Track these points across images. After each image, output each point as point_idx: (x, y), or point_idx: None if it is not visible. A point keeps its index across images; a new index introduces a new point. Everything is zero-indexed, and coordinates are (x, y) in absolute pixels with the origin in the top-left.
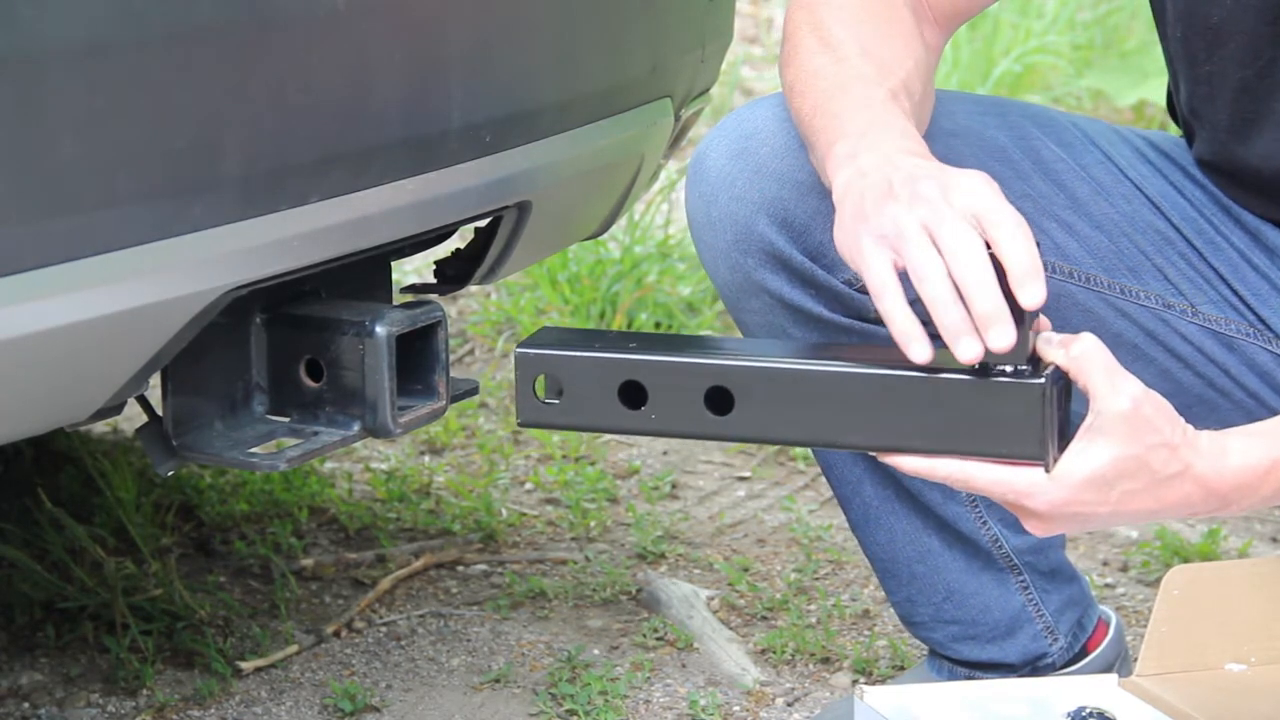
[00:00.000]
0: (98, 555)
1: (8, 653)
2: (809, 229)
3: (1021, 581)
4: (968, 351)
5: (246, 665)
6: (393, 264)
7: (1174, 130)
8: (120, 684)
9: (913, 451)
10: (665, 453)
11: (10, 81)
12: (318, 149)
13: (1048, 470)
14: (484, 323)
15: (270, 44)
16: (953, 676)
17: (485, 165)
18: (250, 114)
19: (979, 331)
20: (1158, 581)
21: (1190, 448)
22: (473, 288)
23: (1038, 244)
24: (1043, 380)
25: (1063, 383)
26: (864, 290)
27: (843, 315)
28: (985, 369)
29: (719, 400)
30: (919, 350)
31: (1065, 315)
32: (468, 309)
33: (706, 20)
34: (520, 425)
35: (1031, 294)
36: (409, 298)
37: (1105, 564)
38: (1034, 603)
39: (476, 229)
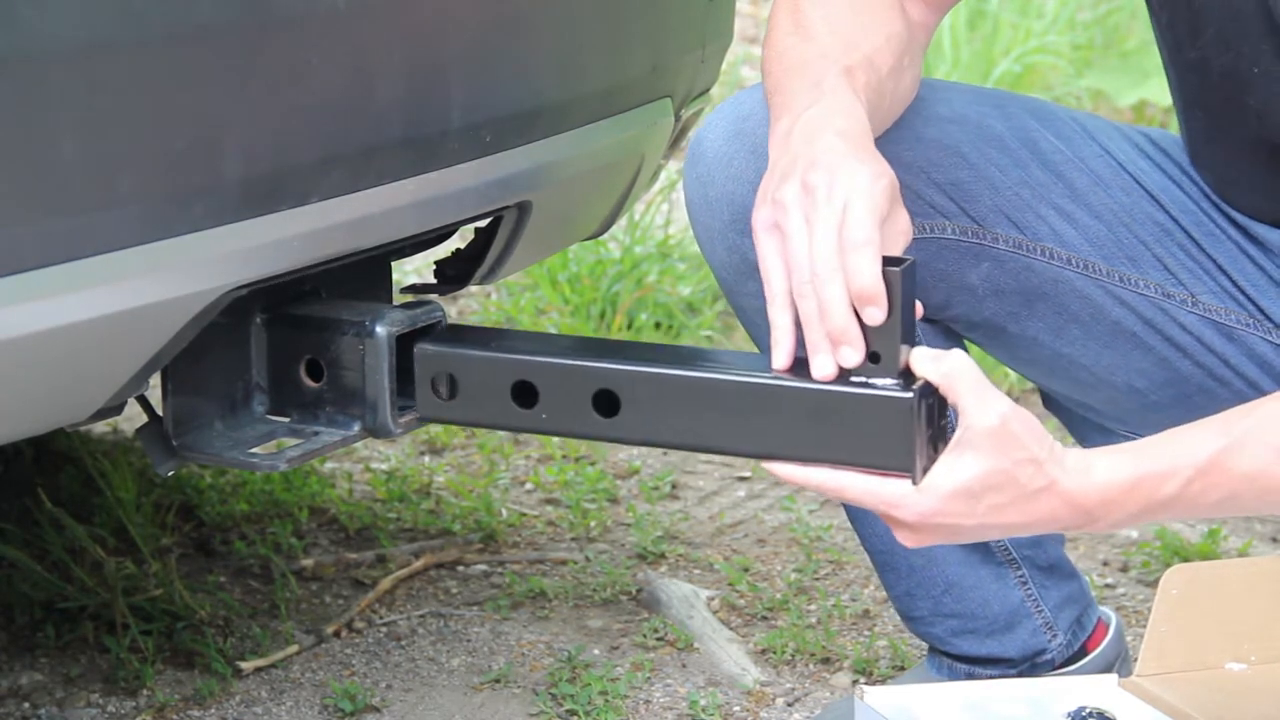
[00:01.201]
0: (98, 555)
1: (8, 653)
2: None
3: (1020, 576)
4: (821, 369)
5: (246, 665)
6: (393, 264)
7: (1174, 128)
8: (120, 684)
9: (789, 459)
10: (665, 453)
11: (10, 81)
12: (318, 149)
13: (915, 482)
14: (484, 323)
15: (270, 44)
16: (953, 674)
17: (485, 165)
18: (250, 114)
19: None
20: (1158, 581)
21: (1056, 464)
22: (473, 288)
23: (1035, 230)
24: (911, 394)
25: (935, 397)
26: None
27: None
28: (859, 381)
29: (606, 403)
30: (777, 359)
31: (1063, 302)
32: (468, 309)
33: (706, 20)
34: (420, 421)
35: (869, 316)
36: (409, 298)
37: (1105, 564)
38: (1033, 598)
39: (476, 229)
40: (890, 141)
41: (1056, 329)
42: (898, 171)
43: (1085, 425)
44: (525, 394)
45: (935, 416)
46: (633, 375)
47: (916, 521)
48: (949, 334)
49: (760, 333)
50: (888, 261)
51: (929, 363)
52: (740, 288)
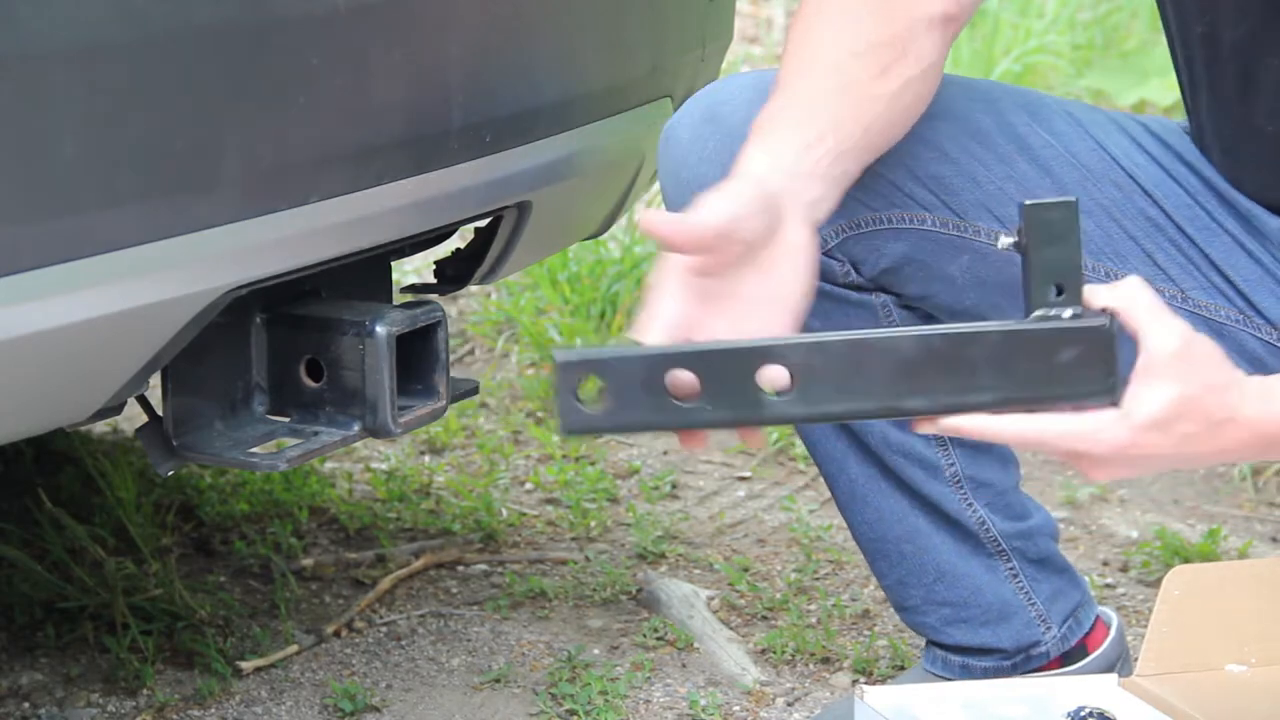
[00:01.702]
0: (98, 555)
1: (8, 653)
2: None
3: (1010, 569)
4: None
5: (246, 665)
6: (393, 264)
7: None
8: (120, 684)
9: (982, 410)
10: (665, 453)
11: (10, 81)
12: (318, 149)
13: (1118, 405)
14: (484, 323)
15: (270, 44)
16: (947, 668)
17: (485, 165)
18: (250, 114)
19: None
20: (1158, 581)
21: (1239, 391)
22: (473, 288)
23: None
24: (1105, 320)
25: (1115, 323)
26: (830, 254)
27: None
28: (1046, 316)
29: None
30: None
31: None
32: (468, 309)
33: (706, 20)
34: (564, 435)
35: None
36: (409, 298)
37: (1105, 564)
38: (1024, 590)
39: (476, 229)
40: None
41: None
42: (879, 165)
43: None
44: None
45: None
46: (797, 347)
47: (1111, 454)
48: (929, 320)
49: None
50: (1056, 201)
51: (1105, 290)
52: None
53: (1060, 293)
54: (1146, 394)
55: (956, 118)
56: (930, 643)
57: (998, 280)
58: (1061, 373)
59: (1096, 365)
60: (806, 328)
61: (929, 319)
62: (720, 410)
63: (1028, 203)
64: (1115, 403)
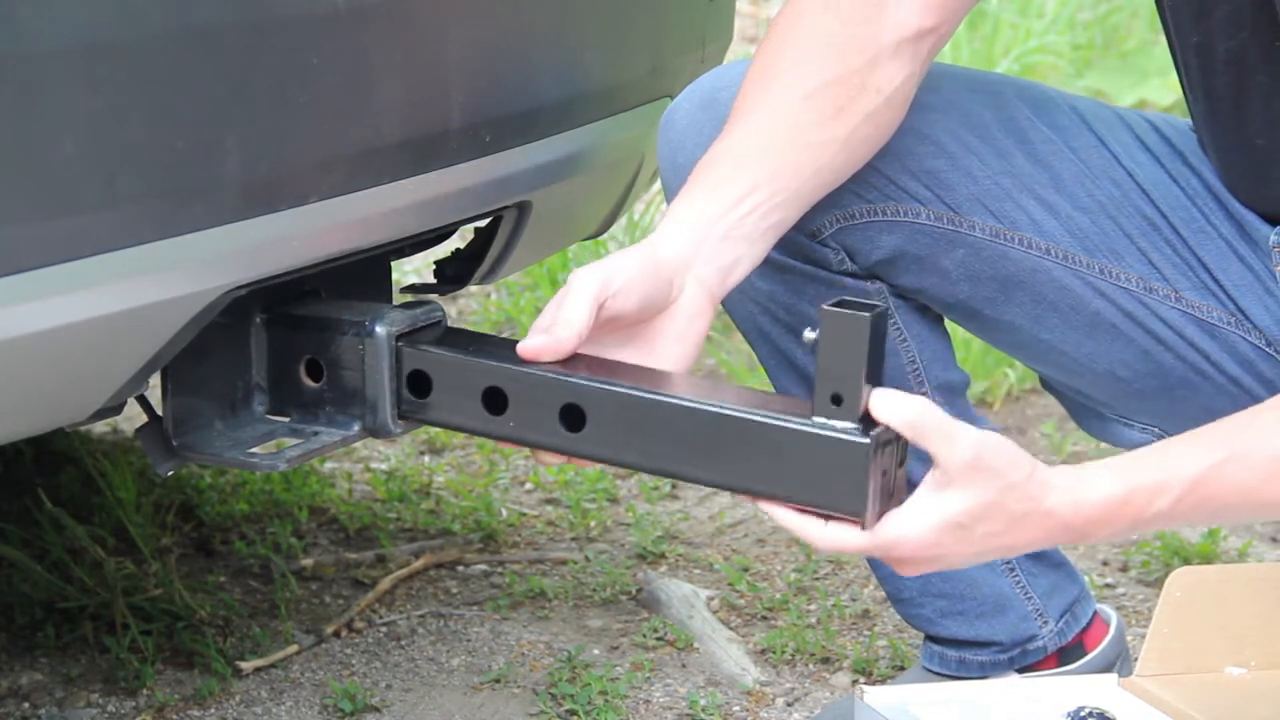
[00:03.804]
0: (98, 555)
1: (8, 653)
2: None
3: (1007, 563)
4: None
5: (246, 665)
6: (393, 264)
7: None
8: (120, 684)
9: (743, 493)
10: None
11: (10, 81)
12: (318, 149)
13: (864, 528)
14: (484, 323)
15: (270, 44)
16: (944, 663)
17: (485, 165)
18: (250, 114)
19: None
20: (1158, 581)
21: (1041, 485)
22: (473, 288)
23: (1013, 219)
24: (869, 440)
25: (897, 443)
26: (824, 242)
27: (805, 263)
28: (820, 423)
29: (572, 417)
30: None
31: (1041, 291)
32: (468, 309)
33: (706, 20)
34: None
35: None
36: (409, 298)
37: (1105, 564)
38: (1020, 584)
39: (476, 229)
40: None
41: (1035, 316)
42: (874, 160)
43: (1079, 408)
44: (495, 400)
45: (894, 463)
46: (600, 393)
47: (913, 555)
48: (924, 310)
49: (729, 303)
50: (856, 306)
51: (891, 409)
52: None
53: (838, 402)
54: (943, 500)
55: (956, 110)
56: (928, 639)
57: (991, 275)
58: (819, 479)
59: (851, 480)
60: (804, 314)
61: (923, 310)
62: (521, 430)
63: (824, 306)
64: (862, 523)
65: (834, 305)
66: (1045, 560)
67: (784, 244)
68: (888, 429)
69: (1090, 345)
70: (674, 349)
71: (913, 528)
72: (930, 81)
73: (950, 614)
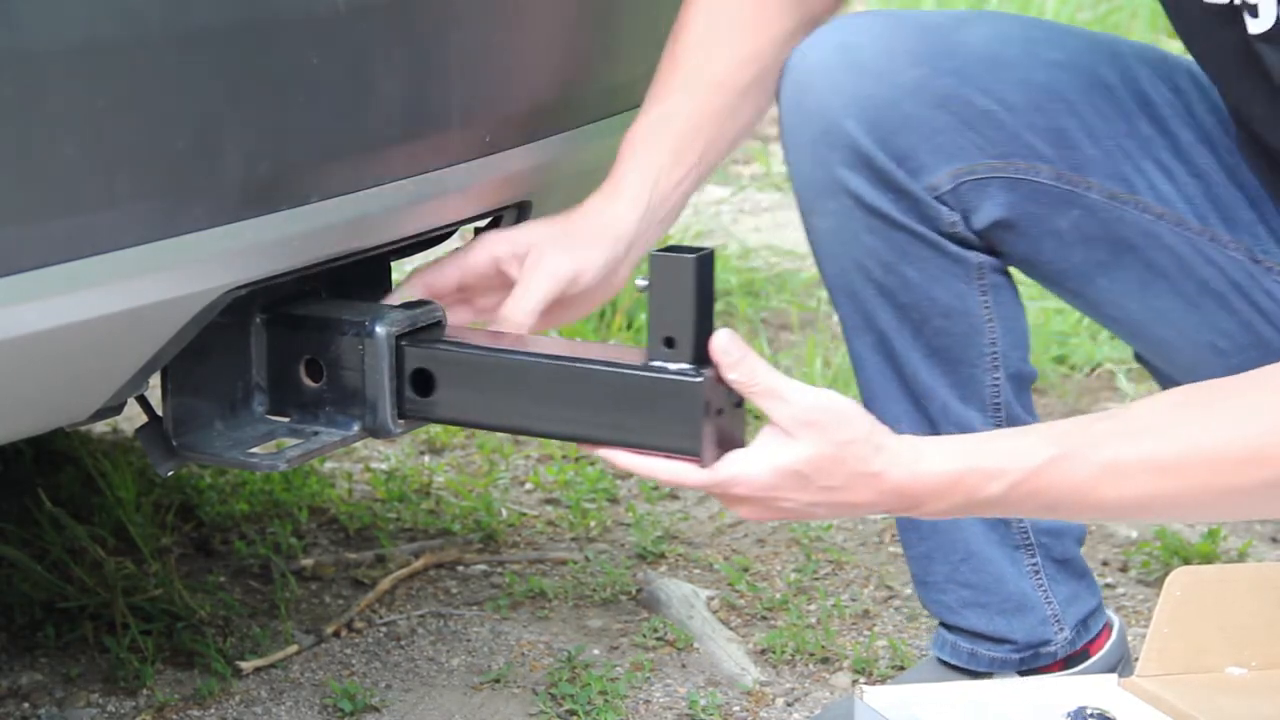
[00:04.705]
0: (98, 555)
1: (8, 653)
2: (899, 131)
3: (1033, 564)
4: None
5: (246, 665)
6: (393, 264)
7: None
8: (120, 684)
9: (593, 443)
10: None
11: (10, 81)
12: (318, 149)
13: (703, 466)
14: (484, 322)
15: (270, 44)
16: (955, 653)
17: (485, 165)
18: (250, 114)
19: None
20: (1158, 581)
21: (878, 449)
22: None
23: (1132, 182)
24: (701, 379)
25: (712, 383)
26: (942, 198)
27: (917, 222)
28: (657, 366)
29: (422, 382)
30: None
31: (1152, 256)
32: None
33: None
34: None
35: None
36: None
37: (1105, 564)
38: (1043, 588)
39: (476, 229)
40: (998, 80)
41: (1144, 282)
42: (1002, 112)
43: (1172, 385)
44: (424, 382)
45: (731, 403)
46: (447, 356)
47: (750, 495)
48: (1016, 297)
49: (826, 254)
50: (685, 250)
51: (724, 363)
52: (819, 205)
53: (670, 345)
54: (785, 446)
55: (1081, 69)
56: (942, 625)
57: (1104, 237)
58: (657, 421)
59: (687, 419)
60: (903, 276)
61: (1016, 297)
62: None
63: (653, 252)
64: (700, 461)
65: (662, 250)
66: (1070, 568)
67: (900, 199)
68: (715, 372)
69: (1194, 315)
70: (577, 313)
71: (751, 468)
72: (1054, 37)
73: (972, 605)
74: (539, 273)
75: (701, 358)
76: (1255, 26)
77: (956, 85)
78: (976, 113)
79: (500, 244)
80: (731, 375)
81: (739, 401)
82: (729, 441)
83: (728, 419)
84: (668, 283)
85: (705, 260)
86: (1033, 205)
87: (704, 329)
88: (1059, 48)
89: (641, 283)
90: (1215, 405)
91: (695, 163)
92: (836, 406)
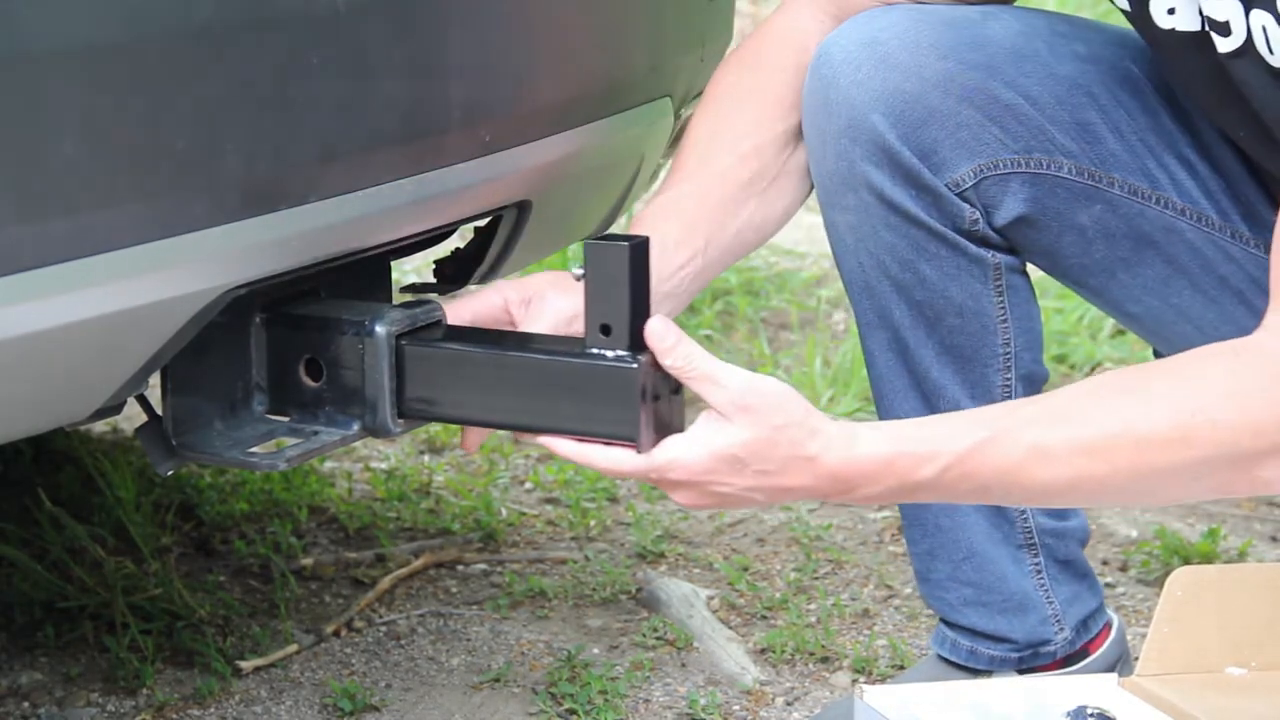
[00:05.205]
0: (98, 555)
1: (8, 653)
2: (924, 124)
3: (1035, 564)
4: None
5: (246, 665)
6: (393, 264)
7: None
8: (120, 684)
9: (530, 431)
10: None
11: (10, 81)
12: (318, 149)
13: (640, 452)
14: None
15: (270, 44)
16: (955, 650)
17: (485, 165)
18: (250, 114)
19: None
20: (1158, 581)
21: (811, 433)
22: (473, 288)
23: (1155, 178)
24: (636, 364)
25: (648, 370)
26: (964, 195)
27: (937, 220)
28: (593, 353)
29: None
30: None
31: (1173, 252)
32: None
33: (706, 20)
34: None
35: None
36: (409, 297)
37: (1105, 564)
38: (1044, 588)
39: (476, 229)
40: (1023, 74)
41: (1164, 278)
42: (1026, 106)
43: None
44: (313, 370)
45: (668, 389)
46: (409, 352)
47: (687, 480)
48: (1032, 297)
49: (844, 249)
50: (620, 238)
51: (660, 349)
52: (840, 200)
53: (607, 332)
54: (720, 431)
55: (1106, 63)
56: (943, 623)
57: (1126, 233)
58: (594, 408)
59: (623, 405)
60: (920, 273)
61: (1032, 297)
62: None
63: (587, 240)
64: (637, 447)
65: (597, 239)
66: (1073, 568)
67: (921, 195)
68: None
69: (1213, 312)
70: None
71: (688, 453)
72: (1079, 31)
73: (974, 603)
74: (542, 312)
75: (638, 344)
76: (1226, 45)
77: (982, 79)
78: (1001, 107)
79: (510, 289)
80: (667, 360)
81: (677, 388)
82: (667, 428)
83: (665, 405)
84: (603, 270)
85: (640, 248)
86: (1054, 201)
87: (639, 316)
88: (1084, 41)
89: (577, 271)
90: (1141, 388)
91: (702, 248)
92: (772, 390)
